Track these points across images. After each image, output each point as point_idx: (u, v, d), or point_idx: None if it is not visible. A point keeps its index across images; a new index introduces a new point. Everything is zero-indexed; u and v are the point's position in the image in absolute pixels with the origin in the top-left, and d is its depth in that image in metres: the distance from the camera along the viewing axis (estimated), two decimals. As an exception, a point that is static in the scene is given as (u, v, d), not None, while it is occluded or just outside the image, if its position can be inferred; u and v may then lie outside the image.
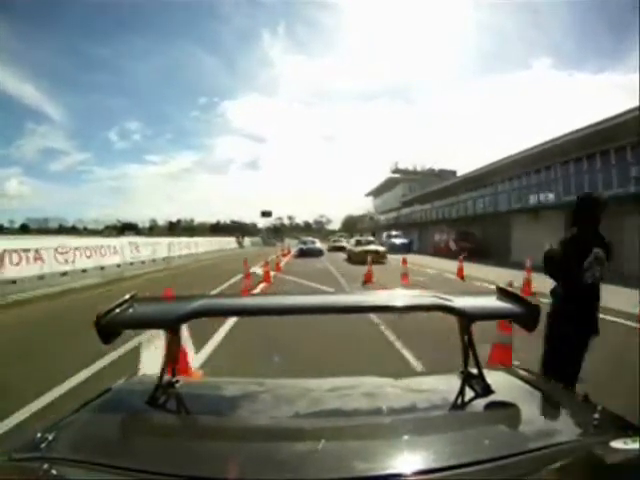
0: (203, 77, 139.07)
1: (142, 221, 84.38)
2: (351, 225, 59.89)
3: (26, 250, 8.76)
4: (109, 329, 0.86)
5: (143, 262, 13.56)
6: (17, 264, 8.39)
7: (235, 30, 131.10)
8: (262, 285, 8.32)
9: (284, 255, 19.43)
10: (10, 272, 8.11)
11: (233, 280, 9.51)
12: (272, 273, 9.97)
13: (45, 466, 0.60)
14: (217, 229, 76.87)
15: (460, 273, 9.94)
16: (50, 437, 0.68)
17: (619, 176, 12.13)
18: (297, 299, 1.02)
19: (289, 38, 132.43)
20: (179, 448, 0.66)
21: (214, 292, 7.78)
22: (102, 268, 11.15)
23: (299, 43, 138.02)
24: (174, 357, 0.90)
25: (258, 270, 10.62)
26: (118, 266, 12.07)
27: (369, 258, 10.40)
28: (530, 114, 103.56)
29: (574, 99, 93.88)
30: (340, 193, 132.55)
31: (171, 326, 0.87)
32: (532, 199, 15.67)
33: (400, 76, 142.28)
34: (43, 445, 0.66)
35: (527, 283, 7.22)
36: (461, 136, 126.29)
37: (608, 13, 72.62)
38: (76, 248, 10.43)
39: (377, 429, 0.71)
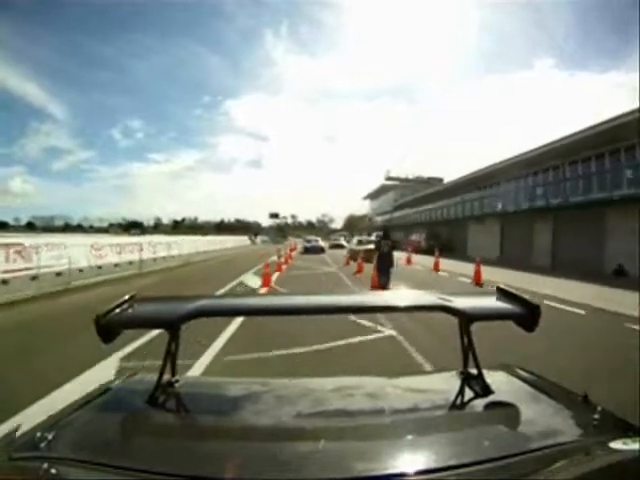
0: (206, 76, 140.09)
1: (147, 219, 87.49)
2: (353, 225, 64.31)
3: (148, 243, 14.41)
4: (109, 329, 0.88)
5: (197, 252, 19.16)
6: (141, 251, 13.90)
7: (238, 29, 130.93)
8: (285, 265, 13.69)
9: (292, 250, 24.10)
10: (140, 256, 13.59)
11: (268, 260, 14.86)
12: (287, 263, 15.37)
13: (45, 466, 0.60)
14: (221, 228, 79.61)
15: (409, 260, 15.29)
16: (50, 436, 0.68)
17: (540, 193, 17.03)
18: (298, 299, 1.03)
19: (292, 38, 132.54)
20: (179, 448, 0.67)
21: (259, 267, 12.76)
22: (180, 255, 16.80)
23: (302, 43, 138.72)
24: (174, 356, 0.91)
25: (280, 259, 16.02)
26: (184, 255, 17.64)
27: (366, 256, 13.39)
28: (533, 114, 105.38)
29: (576, 99, 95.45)
30: (343, 192, 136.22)
31: (171, 326, 0.88)
32: (480, 209, 20.91)
33: (404, 76, 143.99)
34: (43, 444, 0.66)
35: (436, 264, 12.54)
36: (463, 135, 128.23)
37: (611, 12, 73.30)
38: (167, 242, 16.29)
39: (377, 429, 0.72)
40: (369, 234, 34.27)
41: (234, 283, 9.34)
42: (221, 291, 8.06)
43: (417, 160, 70.77)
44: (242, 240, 36.69)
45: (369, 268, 11.35)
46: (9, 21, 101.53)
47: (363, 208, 63.38)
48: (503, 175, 19.73)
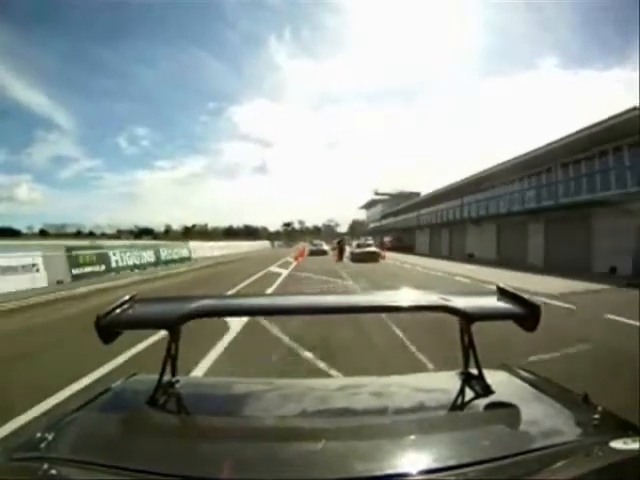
0: (211, 82, 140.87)
1: (156, 226, 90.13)
2: (356, 229, 75.17)
3: (219, 245, 26.68)
4: (109, 329, 0.89)
5: (248, 251, 31.54)
6: (215, 249, 26.20)
7: (242, 35, 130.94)
8: (302, 256, 25.66)
9: (304, 249, 34.35)
10: (216, 253, 25.86)
11: (291, 254, 26.93)
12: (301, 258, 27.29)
13: (45, 466, 0.61)
14: (230, 233, 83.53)
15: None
16: (50, 437, 0.69)
17: (441, 214, 28.70)
18: (298, 299, 1.04)
19: (295, 42, 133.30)
20: (179, 448, 0.68)
21: (283, 262, 24.63)
22: (241, 252, 29.10)
23: (305, 47, 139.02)
24: (174, 357, 0.92)
25: (293, 256, 27.75)
26: (242, 252, 29.84)
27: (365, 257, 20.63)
28: (538, 114, 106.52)
29: (581, 98, 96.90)
30: (348, 196, 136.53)
31: (171, 326, 0.89)
32: (421, 222, 32.87)
33: (408, 79, 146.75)
34: (43, 445, 0.67)
35: (384, 252, 24.57)
36: (468, 137, 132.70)
37: (613, 11, 71.87)
38: (235, 245, 28.68)
39: (378, 429, 0.73)
40: (366, 238, 46.31)
41: (283, 261, 21.31)
42: (280, 262, 19.99)
43: (422, 160, 76.94)
44: (265, 244, 49.46)
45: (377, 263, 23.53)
46: (15, 29, 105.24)
47: (363, 214, 74.53)
48: (435, 200, 31.61)
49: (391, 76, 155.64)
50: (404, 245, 34.18)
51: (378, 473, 0.57)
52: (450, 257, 24.34)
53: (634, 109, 12.58)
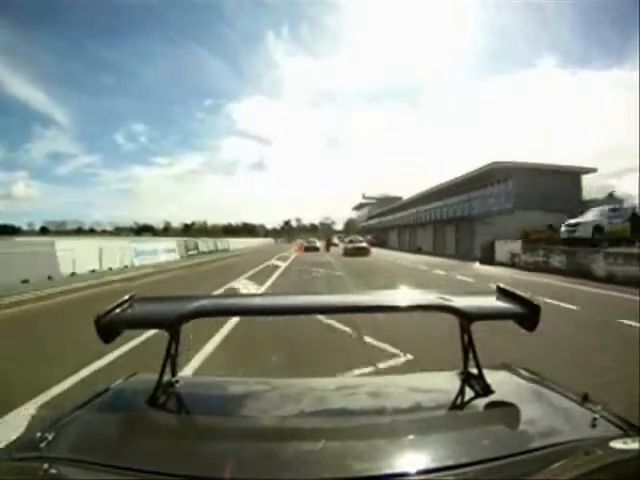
0: (209, 79, 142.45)
1: (156, 223, 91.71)
2: (351, 227, 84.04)
3: (239, 242, 37.09)
4: (109, 328, 0.90)
5: (260, 246, 41.76)
6: (239, 244, 36.56)
7: (240, 32, 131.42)
8: (300, 251, 36.00)
9: (302, 244, 44.31)
10: (240, 246, 36.20)
11: (292, 248, 37.22)
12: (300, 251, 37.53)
13: (45, 466, 0.61)
14: (229, 231, 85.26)
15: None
16: (50, 436, 0.69)
17: (406, 219, 39.10)
18: (298, 299, 1.05)
19: (293, 40, 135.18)
20: (179, 448, 0.68)
21: (289, 252, 34.88)
22: (255, 246, 39.47)
23: (303, 45, 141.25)
24: (174, 357, 0.93)
25: (294, 249, 37.76)
26: (257, 246, 40.13)
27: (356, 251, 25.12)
28: (538, 114, 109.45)
29: (579, 98, 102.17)
30: (345, 193, 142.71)
31: (171, 326, 0.89)
32: (392, 224, 43.25)
33: (407, 78, 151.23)
34: (43, 444, 0.67)
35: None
36: (467, 136, 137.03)
37: (613, 11, 75.27)
38: (249, 241, 39.23)
39: (378, 429, 0.73)
40: (355, 237, 56.60)
41: (288, 252, 31.40)
42: (286, 252, 30.19)
43: (419, 160, 79.84)
44: (269, 241, 60.42)
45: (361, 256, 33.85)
46: (13, 26, 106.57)
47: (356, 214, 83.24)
48: (404, 207, 41.89)
49: (389, 75, 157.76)
50: (380, 241, 44.81)
51: (378, 473, 0.57)
52: (408, 250, 34.68)
53: (493, 163, 23.02)
